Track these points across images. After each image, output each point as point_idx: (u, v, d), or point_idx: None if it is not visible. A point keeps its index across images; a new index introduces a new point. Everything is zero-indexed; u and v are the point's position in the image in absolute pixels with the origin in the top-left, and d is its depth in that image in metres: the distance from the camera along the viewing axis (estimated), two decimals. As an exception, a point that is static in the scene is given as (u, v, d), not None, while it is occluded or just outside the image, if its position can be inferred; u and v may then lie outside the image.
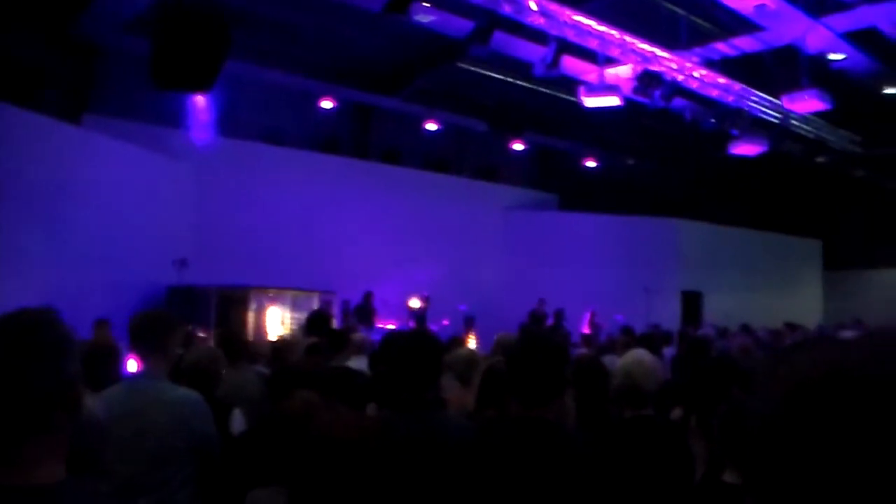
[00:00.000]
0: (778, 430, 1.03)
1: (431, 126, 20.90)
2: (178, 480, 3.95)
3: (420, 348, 3.55)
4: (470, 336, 16.27)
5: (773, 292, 27.58)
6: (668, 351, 10.81)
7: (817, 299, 31.81)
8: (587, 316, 19.94)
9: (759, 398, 1.10)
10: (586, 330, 19.14)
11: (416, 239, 20.47)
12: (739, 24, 15.54)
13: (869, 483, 0.94)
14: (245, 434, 4.78)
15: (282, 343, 7.48)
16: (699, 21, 16.13)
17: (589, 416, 4.69)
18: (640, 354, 4.63)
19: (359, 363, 6.82)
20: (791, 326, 17.55)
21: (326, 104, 19.49)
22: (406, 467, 3.19)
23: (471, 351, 6.16)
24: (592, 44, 14.95)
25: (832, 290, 32.01)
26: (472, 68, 17.47)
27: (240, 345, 7.12)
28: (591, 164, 24.55)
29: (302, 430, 3.62)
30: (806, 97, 16.56)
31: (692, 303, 23.95)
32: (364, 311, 17.54)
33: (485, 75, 17.87)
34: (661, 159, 24.55)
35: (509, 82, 18.13)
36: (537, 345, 3.23)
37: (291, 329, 15.10)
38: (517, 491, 2.87)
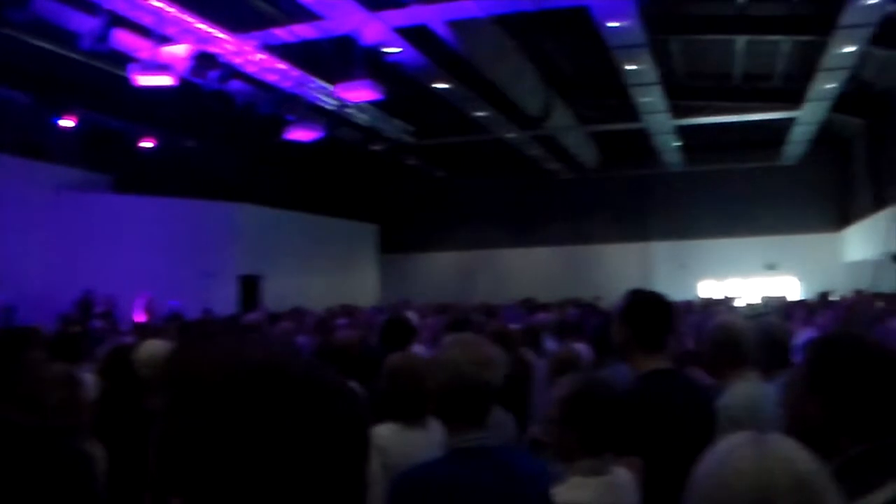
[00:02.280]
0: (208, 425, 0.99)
1: (-31, 97, 18.97)
2: None
3: None
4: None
5: (332, 275, 28.31)
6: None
7: (374, 281, 33.09)
8: (141, 302, 19.25)
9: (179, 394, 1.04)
10: (140, 317, 18.45)
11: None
12: (299, 11, 15.59)
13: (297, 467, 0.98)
14: None
15: None
16: (260, 5, 16.02)
17: (119, 409, 4.43)
18: (157, 345, 4.55)
19: None
20: (346, 308, 18.04)
21: None
22: None
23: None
24: (147, 20, 14.34)
25: (388, 273, 33.47)
26: (15, 35, 16.00)
27: None
28: (147, 144, 23.57)
29: None
30: (359, 87, 17.06)
31: (250, 287, 23.93)
32: None
33: (29, 44, 16.46)
34: (220, 142, 24.25)
35: (58, 54, 16.87)
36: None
37: None
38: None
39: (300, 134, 19.24)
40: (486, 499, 2.64)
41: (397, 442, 3.69)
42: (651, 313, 3.68)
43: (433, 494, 2.62)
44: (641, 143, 27.47)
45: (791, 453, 1.46)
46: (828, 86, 20.49)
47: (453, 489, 2.62)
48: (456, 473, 2.65)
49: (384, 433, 3.73)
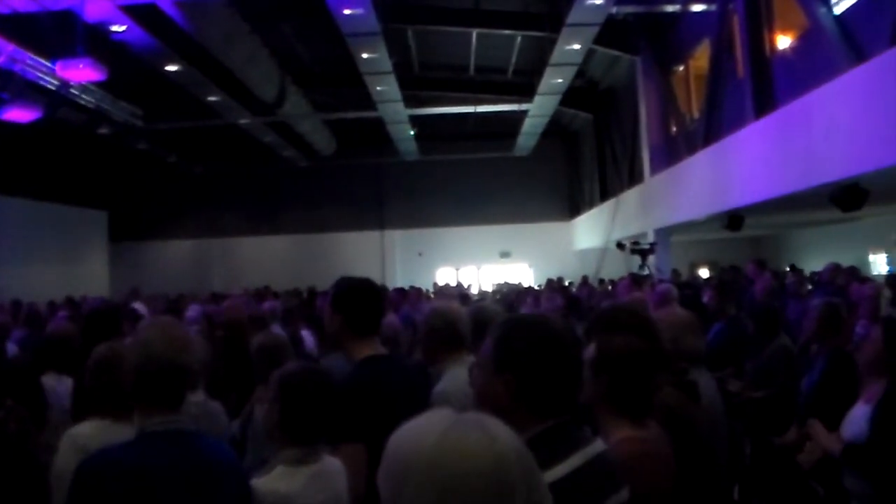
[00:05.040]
0: None
1: None
2: None
3: None
4: None
5: (57, 264, 27.03)
6: None
7: (104, 271, 31.79)
8: None
9: None
10: None
11: None
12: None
13: None
14: None
15: None
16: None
17: None
18: None
19: None
20: (70, 300, 17.24)
21: None
22: None
23: None
24: None
25: (118, 262, 32.28)
26: None
27: None
28: None
29: None
30: (81, 66, 16.13)
31: (-38, 278, 22.36)
32: None
33: None
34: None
35: None
36: None
37: None
38: None
39: (17, 114, 17.87)
40: (172, 483, 2.56)
41: (101, 440, 3.39)
42: (361, 300, 3.70)
43: (114, 479, 2.49)
44: (377, 132, 27.65)
45: (491, 431, 1.38)
46: (557, 80, 21.32)
47: (136, 473, 2.52)
48: (140, 457, 2.56)
49: (85, 431, 3.52)
